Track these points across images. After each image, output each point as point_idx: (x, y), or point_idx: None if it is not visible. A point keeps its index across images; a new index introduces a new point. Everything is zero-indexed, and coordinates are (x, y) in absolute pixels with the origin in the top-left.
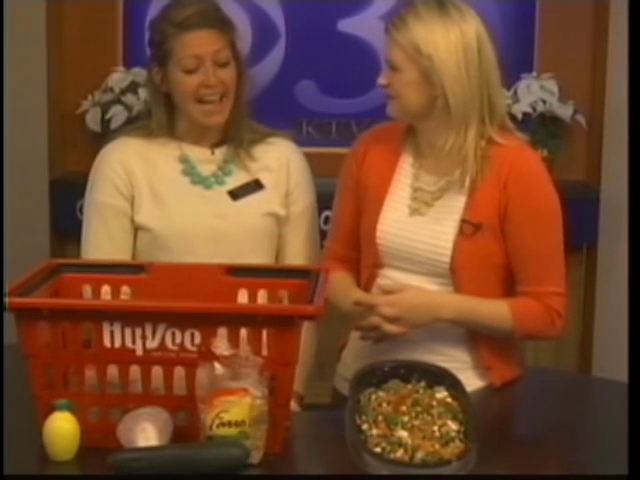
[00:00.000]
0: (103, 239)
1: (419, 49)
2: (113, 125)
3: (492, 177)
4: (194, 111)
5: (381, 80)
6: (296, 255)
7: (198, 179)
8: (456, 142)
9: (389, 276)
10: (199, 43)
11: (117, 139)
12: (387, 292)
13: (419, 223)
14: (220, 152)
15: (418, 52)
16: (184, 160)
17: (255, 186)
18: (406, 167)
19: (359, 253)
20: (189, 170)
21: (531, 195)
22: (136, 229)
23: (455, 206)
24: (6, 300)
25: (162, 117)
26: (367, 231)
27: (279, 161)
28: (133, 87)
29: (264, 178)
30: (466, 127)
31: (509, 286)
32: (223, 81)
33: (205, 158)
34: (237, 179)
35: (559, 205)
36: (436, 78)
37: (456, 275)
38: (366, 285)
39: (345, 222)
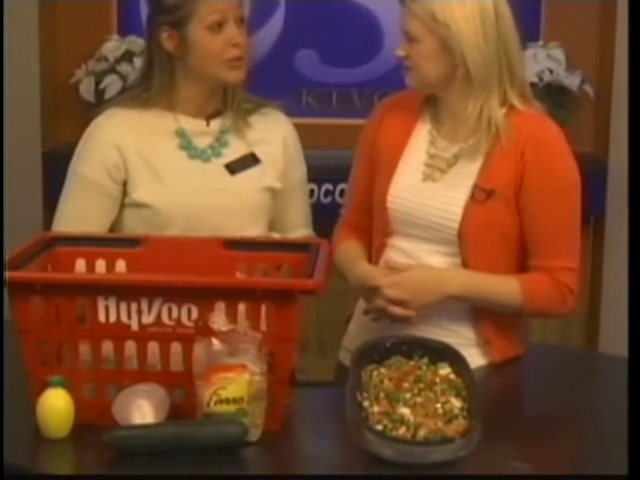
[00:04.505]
0: (78, 214)
1: (436, 18)
2: (107, 95)
3: (509, 145)
4: (218, 70)
5: (399, 52)
6: (297, 224)
7: (195, 153)
8: (475, 109)
9: (398, 245)
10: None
11: (109, 110)
12: (391, 269)
13: (431, 189)
14: (215, 123)
15: (435, 21)
16: (180, 134)
17: (251, 160)
18: (423, 133)
19: (373, 221)
20: (186, 144)
21: (548, 165)
22: (132, 206)
23: (469, 172)
24: (6, 274)
25: (164, 83)
26: (379, 196)
27: (274, 135)
28: (128, 56)
29: (260, 151)
30: (487, 94)
31: (522, 261)
32: (244, 40)
33: (201, 130)
34: (234, 150)
35: (578, 178)
36: (455, 46)
37: (464, 242)
38: (376, 254)
39: (360, 189)
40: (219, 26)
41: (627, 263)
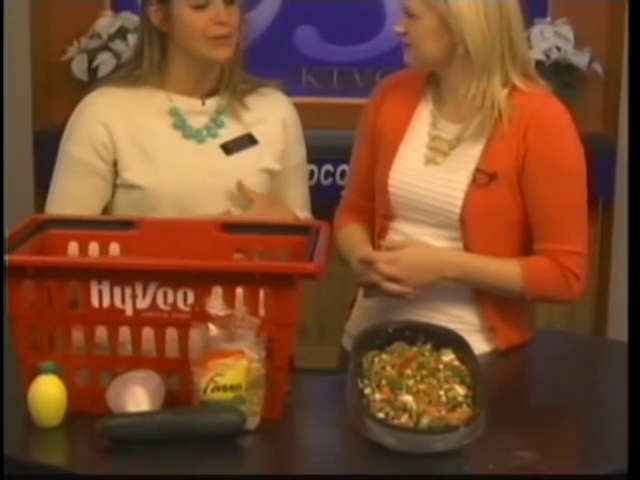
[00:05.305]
0: (69, 194)
1: None
2: (100, 73)
3: (512, 126)
4: (202, 47)
5: (398, 28)
6: (294, 207)
7: (190, 133)
8: (479, 90)
9: (399, 229)
10: None
11: (99, 89)
12: (389, 248)
13: (433, 172)
14: (212, 103)
15: None
16: (174, 113)
17: (248, 140)
18: (425, 114)
19: (375, 203)
20: (180, 124)
21: (551, 145)
22: (123, 187)
23: (471, 155)
24: (6, 258)
25: (155, 59)
26: (380, 179)
27: (274, 116)
28: (122, 33)
29: (257, 132)
30: (489, 74)
31: (526, 246)
32: (231, 19)
33: (196, 109)
34: (230, 131)
35: (582, 159)
36: (454, 25)
37: (466, 227)
38: (378, 238)
39: (361, 171)
40: (204, 4)
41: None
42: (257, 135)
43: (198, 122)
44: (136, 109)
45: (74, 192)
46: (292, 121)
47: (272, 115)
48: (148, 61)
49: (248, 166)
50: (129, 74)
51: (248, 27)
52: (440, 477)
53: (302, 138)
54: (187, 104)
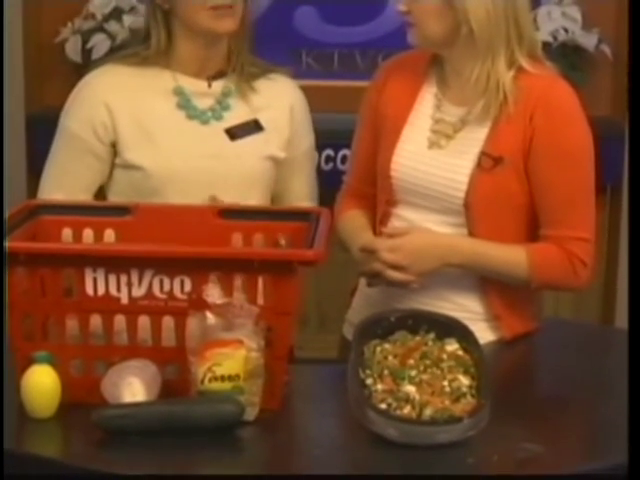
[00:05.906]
0: (64, 169)
1: None
2: (95, 55)
3: (518, 109)
4: (204, 19)
5: (401, 7)
6: (301, 198)
7: (194, 113)
8: (483, 71)
9: (402, 215)
10: None
11: (103, 66)
12: (391, 236)
13: (436, 156)
14: (218, 85)
15: None
16: (179, 92)
17: (254, 126)
18: (428, 97)
19: (376, 188)
20: (184, 103)
21: (559, 129)
22: (123, 168)
23: (476, 138)
24: (6, 245)
25: (162, 39)
26: (382, 164)
27: (282, 103)
28: (116, 13)
29: (264, 118)
30: (493, 55)
31: (532, 232)
32: None
33: (201, 91)
34: (236, 115)
35: (590, 143)
36: (458, 3)
37: (471, 212)
38: (380, 224)
39: (362, 156)
40: None
41: None
42: (263, 122)
43: (203, 103)
44: (140, 88)
45: (69, 167)
46: (300, 107)
47: (279, 101)
48: (156, 41)
49: (252, 152)
50: (137, 54)
51: (253, 4)
52: (443, 476)
53: (310, 126)
54: (192, 85)
